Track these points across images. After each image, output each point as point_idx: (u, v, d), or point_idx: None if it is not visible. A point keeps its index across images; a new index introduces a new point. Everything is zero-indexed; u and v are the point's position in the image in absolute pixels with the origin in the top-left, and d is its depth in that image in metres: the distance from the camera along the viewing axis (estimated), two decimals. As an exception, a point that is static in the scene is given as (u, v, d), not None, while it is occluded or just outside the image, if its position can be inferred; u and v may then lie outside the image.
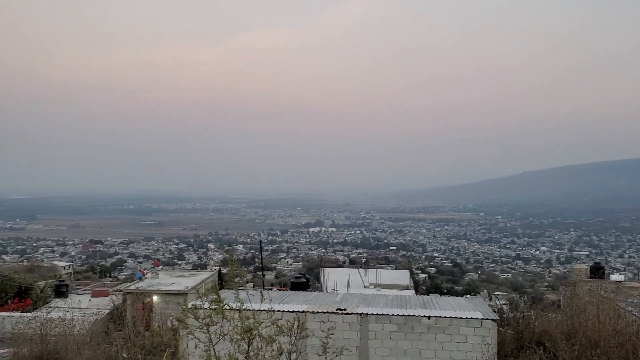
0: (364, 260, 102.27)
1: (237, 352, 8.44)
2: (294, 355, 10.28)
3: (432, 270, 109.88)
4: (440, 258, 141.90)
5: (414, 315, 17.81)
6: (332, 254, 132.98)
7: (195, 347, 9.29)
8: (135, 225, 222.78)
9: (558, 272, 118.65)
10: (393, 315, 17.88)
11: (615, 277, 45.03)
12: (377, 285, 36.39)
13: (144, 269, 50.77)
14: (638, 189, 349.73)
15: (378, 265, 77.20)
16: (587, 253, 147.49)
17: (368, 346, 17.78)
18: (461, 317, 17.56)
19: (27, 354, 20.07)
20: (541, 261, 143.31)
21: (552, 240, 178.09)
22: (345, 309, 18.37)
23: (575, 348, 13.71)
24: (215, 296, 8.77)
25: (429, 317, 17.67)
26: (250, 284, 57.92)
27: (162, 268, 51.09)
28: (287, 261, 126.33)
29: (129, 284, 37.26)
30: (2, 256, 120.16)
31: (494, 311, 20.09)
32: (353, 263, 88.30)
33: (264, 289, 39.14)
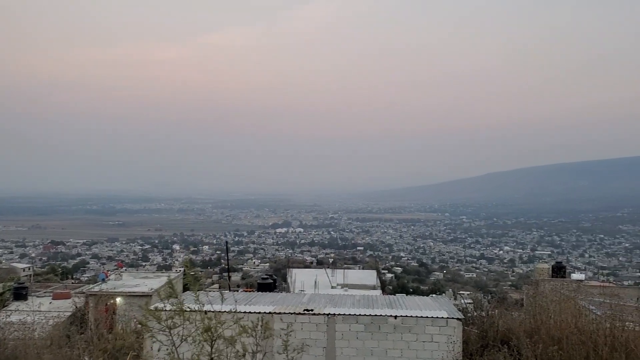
0: (331, 260, 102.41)
1: (200, 354, 8.30)
2: (259, 356, 10.16)
3: (399, 270, 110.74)
4: (406, 258, 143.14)
5: (381, 315, 17.84)
6: (300, 255, 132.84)
7: (159, 350, 9.08)
8: (99, 226, 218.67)
9: (521, 271, 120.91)
10: (360, 315, 17.88)
11: (576, 276, 46.11)
12: (344, 286, 36.42)
13: (107, 271, 49.84)
14: (598, 190, 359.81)
15: (345, 265, 77.35)
16: (549, 253, 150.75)
17: (335, 346, 17.73)
18: (427, 317, 17.66)
19: (-17, 359, 19.40)
20: (505, 261, 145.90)
21: (515, 240, 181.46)
22: (312, 310, 18.29)
23: (538, 346, 13.90)
24: (176, 298, 8.64)
25: (396, 317, 17.72)
26: (216, 286, 57.41)
27: (125, 269, 50.24)
28: (254, 262, 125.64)
29: (91, 285, 36.43)
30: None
31: (459, 310, 20.29)
32: (320, 263, 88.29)
33: (229, 290, 38.79)
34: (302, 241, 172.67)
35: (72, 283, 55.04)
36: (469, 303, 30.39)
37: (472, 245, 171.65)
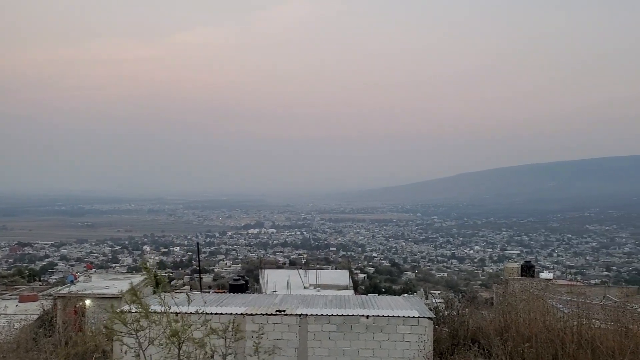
0: (304, 261, 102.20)
1: (168, 356, 8.20)
2: (229, 358, 10.07)
3: (371, 270, 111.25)
4: (379, 258, 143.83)
5: (353, 315, 17.89)
6: (272, 256, 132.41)
7: (126, 353, 8.95)
8: (67, 227, 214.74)
9: (491, 270, 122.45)
10: (332, 315, 17.90)
11: (544, 275, 46.89)
12: (316, 286, 36.44)
13: (76, 272, 48.92)
14: (566, 191, 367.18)
15: (318, 266, 77.32)
16: (519, 252, 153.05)
17: (307, 347, 17.71)
18: (398, 316, 17.77)
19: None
20: (475, 260, 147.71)
21: (485, 239, 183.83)
22: (284, 311, 18.24)
23: (508, 344, 14.07)
24: (140, 300, 8.53)
25: (367, 317, 17.79)
26: (187, 287, 56.87)
27: (95, 271, 49.45)
28: (226, 263, 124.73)
29: (59, 287, 35.75)
30: None
31: (430, 309, 20.46)
32: (293, 264, 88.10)
33: (201, 291, 38.45)
34: (275, 242, 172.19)
35: (40, 285, 53.94)
36: (440, 302, 30.70)
37: (443, 245, 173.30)
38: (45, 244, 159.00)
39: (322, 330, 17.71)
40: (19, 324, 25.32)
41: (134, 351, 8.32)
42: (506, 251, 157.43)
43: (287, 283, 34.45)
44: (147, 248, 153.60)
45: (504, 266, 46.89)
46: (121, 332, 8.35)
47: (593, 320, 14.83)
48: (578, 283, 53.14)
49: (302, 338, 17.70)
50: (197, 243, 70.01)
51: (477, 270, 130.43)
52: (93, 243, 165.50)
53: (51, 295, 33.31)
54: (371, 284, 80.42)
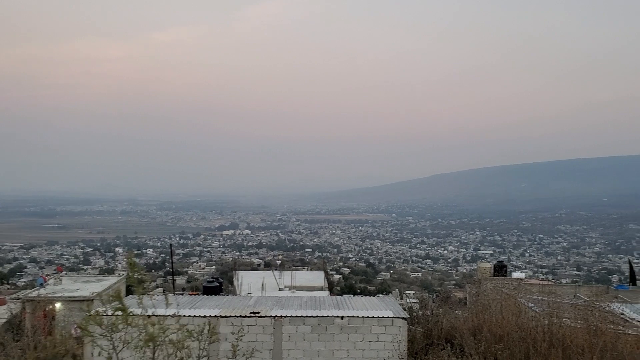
0: (279, 262, 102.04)
1: (143, 359, 8.08)
2: (203, 361, 9.95)
3: (347, 270, 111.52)
4: (354, 259, 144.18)
5: (328, 316, 17.89)
6: (247, 257, 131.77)
7: (99, 354, 8.78)
8: (38, 228, 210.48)
9: (465, 270, 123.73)
10: (307, 316, 17.87)
11: (516, 274, 47.59)
12: (292, 287, 36.33)
13: (46, 275, 47.97)
14: (537, 192, 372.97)
15: (293, 267, 77.26)
16: (491, 252, 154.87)
17: (282, 348, 17.65)
18: (373, 317, 17.83)
19: None
20: (449, 260, 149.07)
21: (459, 240, 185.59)
22: (258, 312, 18.16)
23: (481, 343, 14.21)
24: (119, 302, 8.37)
25: (342, 318, 17.81)
26: (160, 289, 56.31)
27: (65, 273, 48.49)
28: (200, 265, 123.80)
29: (29, 291, 35.04)
30: None
31: (405, 310, 20.57)
32: (268, 266, 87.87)
33: (174, 293, 38.07)
34: (250, 243, 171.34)
35: (8, 289, 52.89)
36: (415, 302, 30.91)
37: (418, 246, 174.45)
38: (14, 246, 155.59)
39: (297, 331, 17.68)
40: (-14, 328, 24.77)
41: (107, 354, 8.17)
42: (479, 251, 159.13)
43: (262, 285, 34.29)
44: (119, 250, 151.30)
45: (477, 266, 47.44)
46: (95, 334, 8.19)
47: (564, 319, 15.07)
48: (549, 282, 54.08)
49: (277, 340, 17.64)
50: (170, 245, 69.32)
51: (451, 270, 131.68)
52: (64, 245, 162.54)
53: (19, 298, 32.64)
54: (347, 285, 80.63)
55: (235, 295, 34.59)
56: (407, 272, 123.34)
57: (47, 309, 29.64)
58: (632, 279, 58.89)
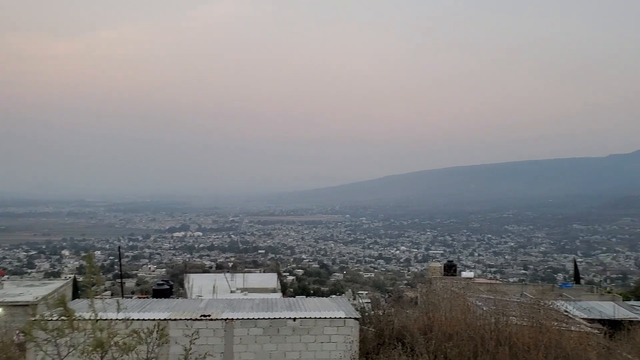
0: (231, 264, 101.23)
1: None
2: (152, 364, 9.73)
3: (300, 272, 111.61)
4: (308, 260, 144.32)
5: (280, 318, 17.82)
6: (198, 259, 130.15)
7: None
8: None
9: (416, 270, 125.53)
10: (258, 319, 17.75)
11: (466, 274, 48.63)
12: (244, 290, 36.00)
13: (-13, 280, 46.08)
14: (486, 192, 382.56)
15: (246, 269, 76.80)
16: (442, 252, 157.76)
17: (233, 351, 17.47)
18: (325, 317, 17.85)
19: None
20: (401, 260, 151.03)
21: (411, 240, 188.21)
22: (209, 315, 17.92)
23: (432, 342, 14.41)
24: (64, 307, 8.11)
25: (294, 319, 17.76)
26: (109, 292, 54.96)
27: (8, 277, 46.80)
28: (150, 267, 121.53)
29: (-33, 296, 33.52)
30: None
31: (357, 310, 20.68)
32: (220, 268, 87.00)
33: (123, 297, 37.22)
34: (201, 245, 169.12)
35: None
36: (367, 302, 31.13)
37: (371, 246, 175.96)
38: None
39: (249, 334, 17.53)
40: None
41: (52, 358, 7.90)
42: (430, 251, 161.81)
43: (213, 287, 33.84)
44: (66, 252, 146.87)
45: (428, 266, 48.22)
46: (40, 340, 7.89)
47: (510, 318, 15.45)
48: (497, 281, 55.53)
49: (228, 342, 17.45)
50: (119, 247, 67.89)
51: (403, 270, 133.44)
52: (6, 248, 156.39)
53: (-43, 304, 31.18)
54: (300, 286, 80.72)
55: (186, 298, 34.06)
56: (360, 273, 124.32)
57: (-13, 314, 28.46)
58: (576, 278, 61.18)
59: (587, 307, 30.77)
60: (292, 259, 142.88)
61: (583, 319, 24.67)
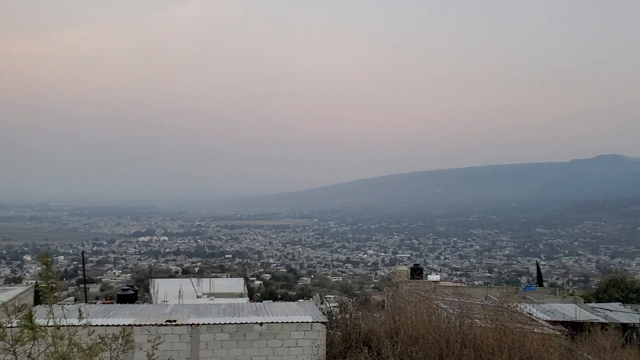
0: (197, 269, 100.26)
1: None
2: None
3: (268, 276, 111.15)
4: (275, 264, 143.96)
5: (246, 323, 17.71)
6: (164, 264, 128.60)
7: (-1, 371, 8.20)
8: None
9: (383, 274, 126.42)
10: (225, 324, 17.61)
11: (432, 277, 49.24)
12: (210, 295, 35.65)
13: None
14: (452, 197, 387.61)
15: (213, 274, 76.13)
16: (409, 255, 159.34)
17: (199, 357, 17.29)
18: (292, 322, 17.81)
19: None
20: (369, 264, 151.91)
21: (378, 243, 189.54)
22: (174, 320, 17.70)
23: (398, 345, 14.50)
24: (25, 314, 7.87)
25: (261, 324, 17.68)
26: (72, 298, 53.81)
27: (-35, 284, 45.32)
28: (114, 273, 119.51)
29: None
30: None
31: (324, 314, 20.69)
32: (186, 273, 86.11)
33: (87, 302, 36.47)
34: (167, 250, 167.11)
35: None
36: (335, 306, 31.18)
37: (339, 250, 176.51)
38: None
39: (215, 339, 17.39)
40: None
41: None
42: (398, 255, 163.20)
43: (179, 292, 33.40)
44: (27, 257, 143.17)
45: (395, 269, 48.59)
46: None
47: (475, 320, 15.66)
48: (463, 284, 56.28)
49: (194, 348, 17.26)
50: (83, 252, 66.45)
51: (370, 273, 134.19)
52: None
53: None
54: (267, 291, 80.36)
55: (151, 303, 33.56)
56: (328, 277, 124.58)
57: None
58: (539, 280, 62.53)
59: (550, 310, 31.46)
60: (259, 264, 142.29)
61: (546, 321, 25.20)
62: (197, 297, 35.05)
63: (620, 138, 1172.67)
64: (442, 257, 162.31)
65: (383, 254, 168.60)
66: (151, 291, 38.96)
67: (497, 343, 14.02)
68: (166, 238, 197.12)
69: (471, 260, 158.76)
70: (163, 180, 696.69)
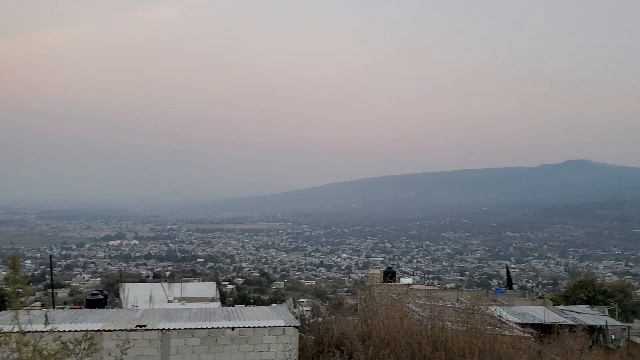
0: (168, 273, 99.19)
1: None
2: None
3: (240, 280, 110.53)
4: (248, 268, 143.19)
5: (218, 327, 17.55)
6: (135, 269, 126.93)
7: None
8: None
9: (357, 277, 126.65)
10: (196, 328, 17.43)
11: (405, 280, 49.46)
12: (181, 299, 35.26)
13: None
14: (424, 200, 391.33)
15: (184, 278, 75.35)
16: (382, 259, 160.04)
17: (169, 362, 17.06)
18: (264, 326, 17.71)
19: None
20: (342, 267, 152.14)
21: (352, 247, 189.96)
22: (145, 325, 17.44)
23: (370, 349, 14.53)
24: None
25: (233, 328, 17.53)
26: (39, 303, 52.70)
27: None
28: (84, 277, 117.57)
29: None
30: None
31: (297, 318, 20.62)
32: (157, 277, 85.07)
33: (54, 307, 35.73)
34: (138, 254, 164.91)
35: None
36: (308, 310, 31.11)
37: (312, 254, 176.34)
38: None
39: (186, 344, 17.18)
40: None
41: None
42: (371, 258, 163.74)
43: (150, 297, 32.97)
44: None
45: (368, 273, 48.73)
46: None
47: (446, 323, 15.79)
48: (435, 287, 56.75)
49: (164, 353, 17.04)
50: (50, 256, 65.25)
51: (343, 277, 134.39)
52: None
53: None
54: (240, 295, 79.94)
55: (121, 308, 33.05)
56: (302, 281, 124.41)
57: None
58: (509, 283, 63.32)
59: (520, 312, 31.93)
60: (232, 268, 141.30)
61: (516, 323, 25.55)
62: (168, 301, 34.66)
63: (588, 144, 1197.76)
64: (415, 261, 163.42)
65: (356, 257, 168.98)
66: (121, 296, 38.39)
67: (467, 345, 14.16)
68: (137, 242, 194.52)
69: (443, 263, 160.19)
70: (134, 183, 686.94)
